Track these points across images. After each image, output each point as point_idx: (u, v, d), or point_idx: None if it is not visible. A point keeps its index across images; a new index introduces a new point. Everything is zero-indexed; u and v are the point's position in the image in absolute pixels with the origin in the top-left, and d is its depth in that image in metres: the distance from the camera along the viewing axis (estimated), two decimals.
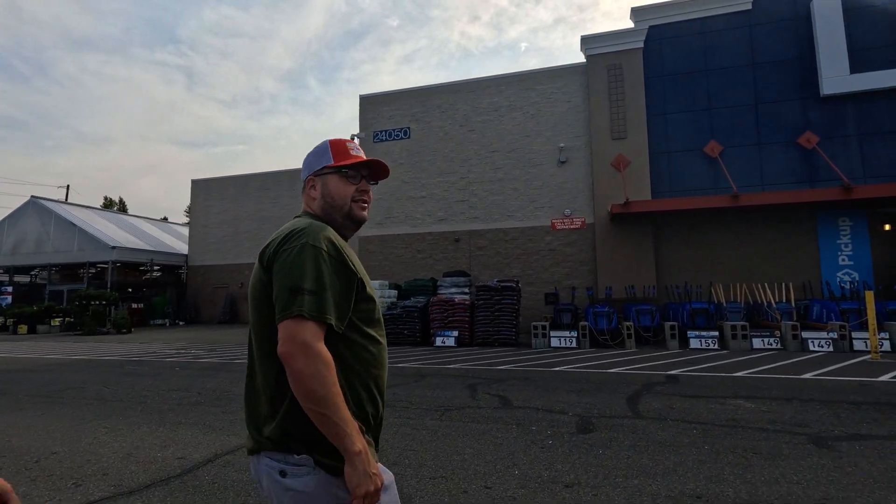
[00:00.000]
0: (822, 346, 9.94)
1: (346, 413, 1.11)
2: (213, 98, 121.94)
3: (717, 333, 10.61)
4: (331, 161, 1.35)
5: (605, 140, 14.85)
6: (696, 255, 14.16)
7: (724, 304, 12.18)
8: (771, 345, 10.37)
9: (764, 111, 13.95)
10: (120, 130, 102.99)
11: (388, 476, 1.23)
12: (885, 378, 6.77)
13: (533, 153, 15.79)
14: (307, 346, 1.09)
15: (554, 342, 11.46)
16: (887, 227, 13.42)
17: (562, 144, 15.40)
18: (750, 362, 8.52)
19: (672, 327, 10.84)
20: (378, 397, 1.27)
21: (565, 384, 6.73)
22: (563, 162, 15.41)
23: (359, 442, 1.10)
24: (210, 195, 26.86)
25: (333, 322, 1.15)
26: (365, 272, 1.33)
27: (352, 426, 1.10)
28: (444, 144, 16.61)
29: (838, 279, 13.13)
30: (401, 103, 17.34)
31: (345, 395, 1.15)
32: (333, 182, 1.35)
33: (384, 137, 17.36)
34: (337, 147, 1.37)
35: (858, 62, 13.31)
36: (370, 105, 17.71)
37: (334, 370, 1.12)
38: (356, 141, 17.82)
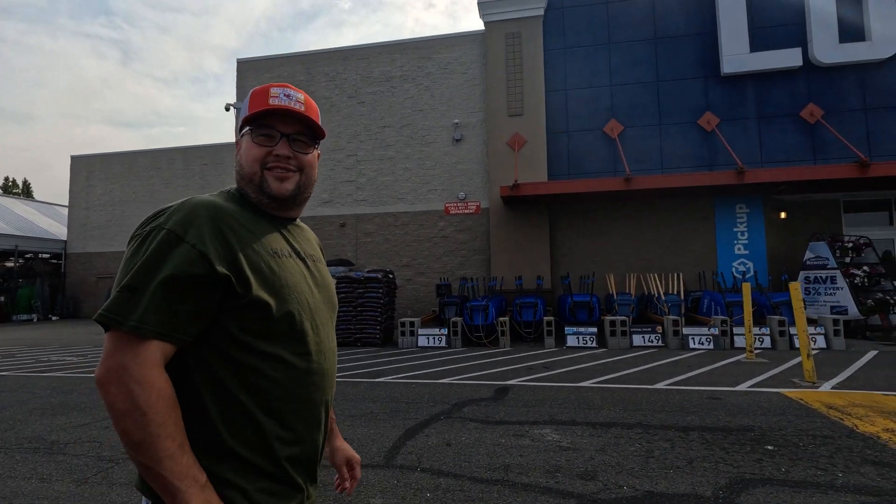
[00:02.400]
0: (703, 344, 9.07)
1: (181, 462, 0.83)
2: (151, 76, 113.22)
3: (595, 330, 9.55)
4: (246, 115, 1.04)
5: (502, 117, 13.55)
6: (594, 243, 13.19)
7: (616, 297, 11.23)
8: (652, 342, 9.42)
9: (665, 90, 13.06)
10: (44, 107, 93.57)
11: None
12: (742, 387, 5.75)
13: (426, 130, 14.28)
14: (124, 371, 0.83)
15: (422, 341, 10.07)
16: (783, 214, 12.91)
17: (457, 121, 13.98)
18: (614, 365, 7.43)
19: (549, 323, 9.70)
20: (287, 433, 0.96)
21: (363, 405, 5.27)
22: (458, 140, 14.01)
23: (197, 502, 0.82)
24: (93, 174, 23.80)
25: (153, 331, 0.84)
26: (281, 268, 0.98)
27: (188, 480, 0.83)
28: (331, 117, 14.80)
29: (733, 269, 12.52)
30: (283, 70, 15.33)
31: (221, 435, 0.90)
32: (243, 144, 1.05)
33: None
34: (256, 96, 1.04)
35: (759, 40, 12.62)
36: (249, 71, 15.59)
37: (167, 407, 0.84)
38: (231, 111, 15.93)
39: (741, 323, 9.58)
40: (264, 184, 1.03)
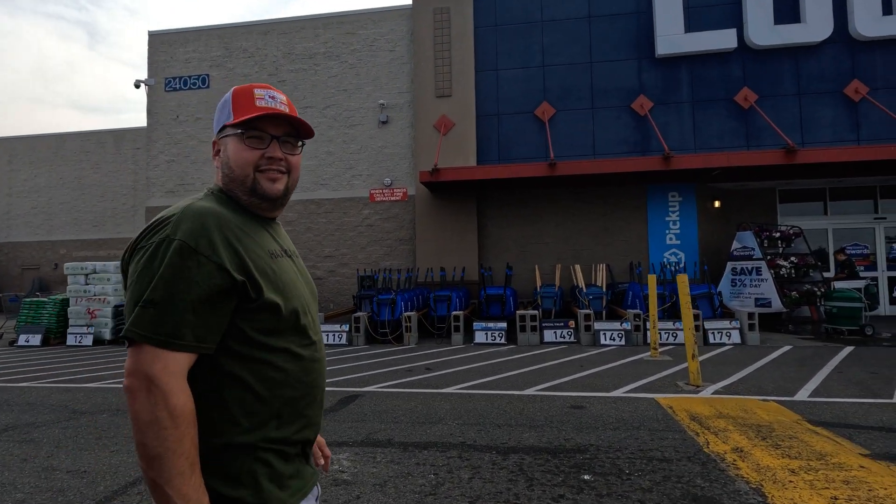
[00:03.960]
0: (615, 340, 8.53)
1: (190, 483, 0.84)
2: (119, 60, 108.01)
3: (504, 325, 8.91)
4: (230, 118, 1.04)
5: (429, 98, 12.72)
6: (524, 232, 12.56)
7: (539, 289, 10.63)
8: (564, 338, 8.84)
9: (599, 72, 12.42)
10: (4, 90, 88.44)
11: None
12: (616, 393, 5.15)
13: (351, 111, 13.36)
14: (152, 382, 0.85)
15: None
16: (717, 203, 12.49)
17: (383, 101, 13.09)
18: (505, 364, 6.77)
19: (456, 318, 9.02)
20: (301, 419, 1.02)
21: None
22: (384, 122, 13.13)
23: None
24: (16, 158, 22.18)
25: (184, 344, 0.87)
26: (279, 268, 1.02)
27: (192, 503, 0.84)
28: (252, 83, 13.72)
29: (665, 259, 12.05)
30: (199, 44, 14.16)
31: (241, 425, 0.93)
32: (232, 147, 1.04)
33: (178, 86, 14.14)
34: (240, 96, 1.05)
35: (694, 20, 12.06)
36: (162, 44, 14.36)
37: (187, 422, 0.86)
38: (143, 88, 14.81)
39: (659, 317, 9.07)
40: (257, 186, 1.03)
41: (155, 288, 0.87)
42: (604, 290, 10.03)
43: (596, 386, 5.45)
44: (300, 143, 1.11)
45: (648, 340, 8.52)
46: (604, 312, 9.56)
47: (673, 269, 11.42)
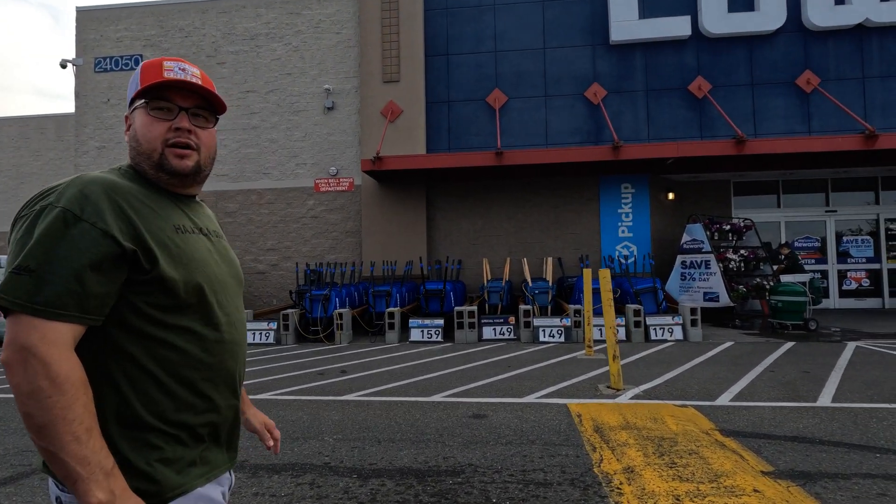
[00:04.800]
0: (554, 336, 8.17)
1: (86, 447, 0.81)
2: None
3: (441, 322, 8.46)
4: (137, 89, 1.00)
5: (376, 83, 12.11)
6: (475, 225, 12.11)
7: (486, 283, 10.22)
8: (503, 334, 8.44)
9: (552, 58, 11.99)
10: None
11: None
12: (529, 398, 4.73)
13: (295, 96, 12.66)
14: (28, 352, 0.81)
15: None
16: (671, 195, 12.24)
17: (328, 86, 12.43)
18: (429, 365, 6.31)
19: (391, 315, 8.53)
20: (202, 402, 0.97)
21: None
22: (329, 108, 12.47)
23: (100, 489, 0.80)
24: None
25: (65, 314, 0.83)
26: (185, 243, 0.98)
27: (92, 466, 0.81)
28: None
29: (617, 253, 11.76)
30: (132, 22, 13.22)
31: (133, 406, 0.90)
32: (138, 120, 1.00)
33: (109, 66, 13.19)
34: (148, 69, 1.01)
35: (649, 7, 11.71)
36: (91, 22, 13.36)
37: (75, 388, 0.82)
38: (70, 68, 13.77)
39: (601, 312, 8.74)
40: (164, 161, 1.00)
41: (29, 254, 0.84)
42: (550, 284, 9.66)
43: (512, 390, 5.03)
44: (215, 118, 1.08)
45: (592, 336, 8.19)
46: (549, 307, 9.19)
47: (624, 262, 11.15)
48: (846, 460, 3.16)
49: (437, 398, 4.78)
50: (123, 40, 13.23)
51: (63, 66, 13.12)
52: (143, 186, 0.98)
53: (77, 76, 13.24)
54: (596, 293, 8.72)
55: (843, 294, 12.29)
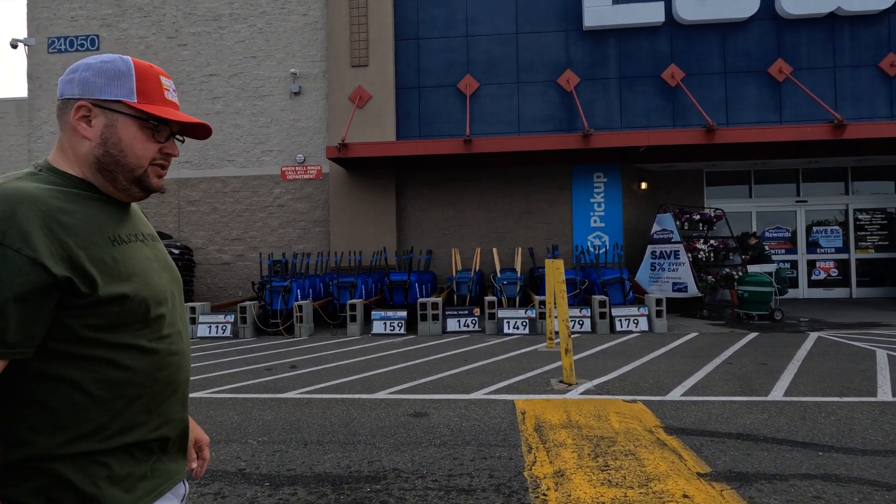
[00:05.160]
0: (519, 328, 8.02)
1: None
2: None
3: (404, 315, 8.25)
4: (132, 96, 0.93)
5: (344, 68, 11.72)
6: (445, 214, 11.88)
7: (455, 274, 10.02)
8: (468, 326, 8.27)
9: (525, 44, 11.72)
10: None
11: None
12: (476, 395, 4.55)
13: (261, 80, 12.21)
14: None
15: (202, 330, 8.38)
16: (644, 185, 12.15)
17: (294, 70, 12.00)
18: (385, 359, 6.09)
19: (353, 307, 8.29)
20: (152, 417, 0.93)
21: None
22: (296, 93, 12.06)
23: None
24: None
25: None
26: (125, 255, 0.91)
27: None
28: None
29: (589, 243, 11.65)
30: (87, 0, 12.59)
31: (76, 431, 0.84)
32: (128, 130, 0.93)
33: (63, 47, 12.57)
34: (147, 79, 0.96)
35: None
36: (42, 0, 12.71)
37: None
38: (21, 48, 13.11)
39: (569, 303, 8.61)
40: (145, 179, 0.96)
41: None
42: (519, 274, 9.50)
43: (461, 386, 4.85)
44: (182, 140, 1.07)
45: (555, 328, 8.06)
46: (517, 299, 9.04)
47: (595, 251, 11.04)
48: (787, 459, 3.04)
49: (381, 395, 4.58)
50: (78, 19, 12.60)
51: (14, 45, 12.46)
52: (71, 193, 0.89)
53: (29, 57, 12.60)
54: (569, 284, 8.59)
55: (812, 284, 12.37)
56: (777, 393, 4.41)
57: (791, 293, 12.26)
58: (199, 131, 1.06)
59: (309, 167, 12.03)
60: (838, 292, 12.27)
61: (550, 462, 3.02)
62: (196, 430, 1.18)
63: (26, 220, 0.79)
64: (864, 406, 4.01)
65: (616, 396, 4.38)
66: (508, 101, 11.70)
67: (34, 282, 0.78)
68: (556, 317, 7.60)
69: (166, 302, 0.98)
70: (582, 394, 4.48)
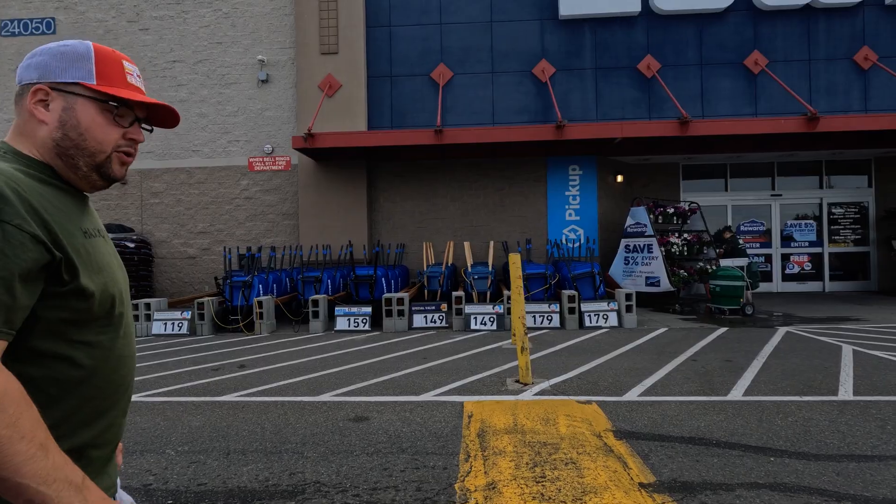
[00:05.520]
0: (486, 324, 7.81)
1: (45, 464, 0.71)
2: None
3: (368, 310, 7.99)
4: (91, 79, 0.90)
5: (314, 55, 11.34)
6: (419, 207, 11.60)
7: (426, 268, 9.79)
8: (435, 322, 8.03)
9: (500, 33, 11.44)
10: None
11: None
12: (425, 397, 4.32)
13: (227, 67, 11.77)
14: None
15: (156, 328, 8.02)
16: (620, 177, 12.00)
17: (262, 57, 11.58)
18: (342, 358, 5.83)
19: (315, 303, 8.00)
20: (95, 426, 0.88)
21: None
22: (263, 81, 11.65)
23: None
24: None
25: None
26: (94, 249, 0.88)
27: (59, 483, 0.72)
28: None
29: (564, 237, 11.48)
30: None
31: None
32: (88, 113, 0.90)
33: (17, 30, 11.97)
34: (107, 62, 0.92)
35: None
36: None
37: (16, 403, 0.71)
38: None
39: (539, 298, 8.44)
40: (107, 165, 0.92)
41: None
42: (490, 269, 9.28)
43: (413, 386, 4.62)
44: (150, 129, 1.04)
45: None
46: (488, 293, 8.83)
47: (569, 245, 10.88)
48: (737, 466, 2.86)
49: (325, 398, 4.32)
50: (33, 1, 11.99)
51: None
52: (44, 183, 0.86)
53: None
54: (530, 279, 8.41)
55: (786, 278, 12.37)
56: (737, 392, 4.25)
57: (765, 287, 12.28)
58: (166, 117, 1.02)
59: (277, 158, 11.65)
60: (811, 286, 12.29)
61: (485, 472, 2.80)
62: None
63: (15, 199, 0.76)
64: (823, 406, 3.87)
65: (571, 397, 4.19)
66: (483, 91, 11.43)
67: (37, 260, 0.76)
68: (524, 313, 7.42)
69: (124, 300, 0.95)
70: (536, 395, 4.28)
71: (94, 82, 0.89)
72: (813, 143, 10.94)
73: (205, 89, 11.77)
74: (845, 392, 4.19)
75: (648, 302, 10.30)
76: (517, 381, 4.63)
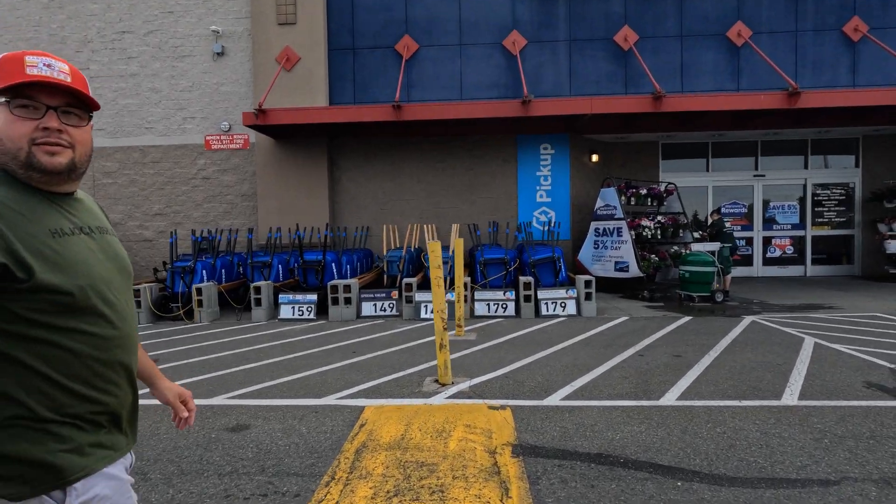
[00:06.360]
0: None
1: None
2: None
3: (314, 298, 7.55)
4: None
5: (270, 25, 10.66)
6: (382, 188, 11.07)
7: (385, 253, 9.32)
8: (385, 310, 7.61)
9: (468, 1, 10.74)
10: None
11: (107, 486, 1.01)
12: (327, 399, 3.90)
13: (180, 39, 11.09)
14: None
15: None
16: (595, 157, 11.46)
17: (217, 28, 10.90)
18: (270, 350, 5.41)
19: (257, 290, 7.56)
20: (99, 394, 1.01)
21: None
22: (219, 54, 10.99)
23: None
24: None
25: None
26: (64, 247, 0.98)
27: None
28: (49, 16, 11.12)
29: (535, 219, 10.99)
30: None
31: (27, 404, 0.92)
32: (1, 117, 0.97)
33: None
34: (6, 64, 0.97)
35: None
36: None
37: None
38: None
39: (497, 285, 8.01)
40: (33, 159, 0.97)
41: None
42: (450, 253, 8.82)
43: (320, 387, 4.20)
44: (88, 115, 1.05)
45: (476, 312, 7.46)
46: (448, 279, 8.39)
47: (543, 228, 10.40)
48: (634, 494, 2.45)
49: (216, 400, 3.91)
50: None
51: None
52: (11, 187, 0.96)
53: None
54: (489, 264, 7.96)
55: (767, 262, 11.94)
56: (671, 396, 3.84)
57: (745, 271, 11.86)
58: (84, 99, 1.02)
59: (235, 136, 11.07)
60: (793, 270, 11.87)
61: (338, 503, 2.39)
62: (174, 388, 1.32)
63: None
64: (760, 413, 3.46)
65: (486, 401, 3.77)
66: (450, 65, 10.80)
67: None
68: (481, 300, 6.98)
69: (109, 290, 1.03)
70: (449, 398, 3.87)
71: None
72: (798, 120, 10.37)
73: (157, 62, 11.12)
74: (790, 395, 3.78)
75: (619, 288, 9.89)
76: (436, 381, 4.21)
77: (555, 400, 3.79)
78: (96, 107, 1.05)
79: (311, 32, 10.61)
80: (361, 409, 3.67)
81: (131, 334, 1.09)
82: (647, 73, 9.63)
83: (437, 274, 4.27)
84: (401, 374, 4.54)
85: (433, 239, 9.56)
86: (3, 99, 0.94)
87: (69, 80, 0.99)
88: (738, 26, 10.40)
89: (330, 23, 10.79)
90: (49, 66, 0.97)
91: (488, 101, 9.61)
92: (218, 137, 11.09)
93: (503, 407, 3.64)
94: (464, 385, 4.14)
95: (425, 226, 9.63)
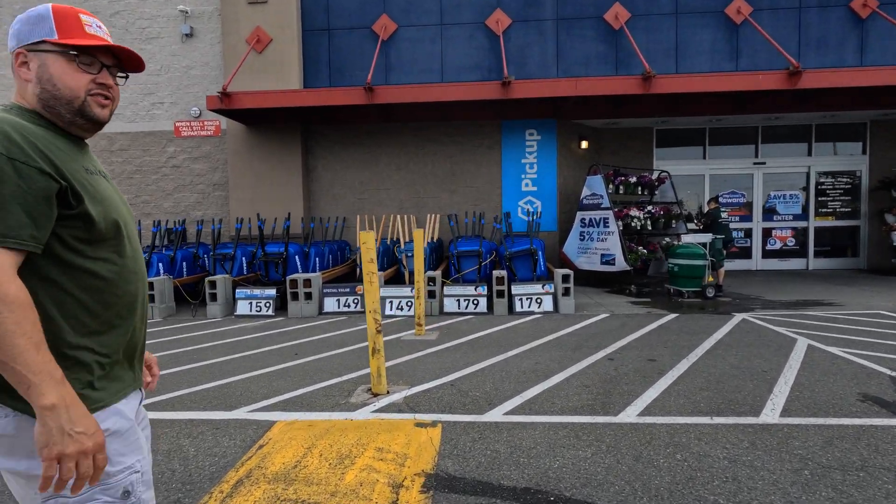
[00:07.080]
0: (403, 309, 6.87)
1: (36, 358, 0.90)
2: None
3: (273, 293, 7.06)
4: (53, 35, 1.04)
5: (240, 5, 10.10)
6: (360, 177, 10.53)
7: (357, 245, 8.81)
8: (349, 306, 7.12)
9: None
10: None
11: (119, 422, 1.05)
12: (239, 413, 3.40)
13: (147, 20, 10.56)
14: None
15: None
16: (585, 143, 10.84)
17: (184, 8, 10.35)
18: (209, 351, 4.93)
19: (212, 284, 7.08)
20: (124, 323, 1.09)
21: None
22: (188, 35, 10.45)
23: (51, 394, 0.90)
24: None
25: (20, 244, 0.92)
26: (97, 183, 1.06)
27: (43, 374, 0.90)
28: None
29: (520, 209, 10.42)
30: None
31: (62, 328, 0.99)
32: (57, 66, 1.04)
33: None
34: (64, 17, 1.05)
35: None
36: None
37: (23, 308, 0.90)
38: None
39: (472, 279, 7.48)
40: (86, 108, 1.05)
41: None
42: (433, 242, 8.31)
43: (236, 397, 3.71)
44: (124, 76, 1.15)
45: (445, 309, 6.95)
46: (424, 272, 7.87)
47: (529, 219, 9.83)
48: None
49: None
50: None
51: None
52: (46, 129, 1.02)
53: None
54: (463, 257, 7.44)
55: (767, 254, 11.32)
56: (633, 410, 3.31)
57: (743, 264, 11.25)
58: (132, 61, 1.13)
59: (206, 122, 10.56)
60: (794, 263, 11.24)
61: None
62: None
63: (17, 139, 0.93)
64: (733, 433, 2.93)
65: (418, 415, 3.27)
66: (430, 45, 10.19)
67: (45, 188, 0.93)
68: (449, 294, 6.43)
69: (129, 226, 1.11)
70: (376, 411, 3.36)
71: (56, 37, 1.02)
72: (801, 103, 9.70)
73: (124, 44, 10.58)
74: (771, 411, 3.25)
75: (608, 282, 9.34)
76: (369, 391, 3.71)
77: (496, 415, 3.28)
78: (142, 68, 1.16)
79: (283, 12, 10.03)
80: (272, 424, 3.18)
81: (145, 274, 1.17)
82: (638, 53, 8.99)
83: (369, 269, 3.76)
84: (334, 381, 4.04)
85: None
86: (72, 52, 1.03)
87: (119, 44, 1.09)
88: (737, 2, 9.70)
89: (303, 1, 10.21)
90: (100, 27, 1.09)
91: (467, 84, 9.01)
92: (188, 124, 10.59)
93: (434, 423, 3.14)
94: (398, 395, 3.64)
95: (403, 216, 9.10)
